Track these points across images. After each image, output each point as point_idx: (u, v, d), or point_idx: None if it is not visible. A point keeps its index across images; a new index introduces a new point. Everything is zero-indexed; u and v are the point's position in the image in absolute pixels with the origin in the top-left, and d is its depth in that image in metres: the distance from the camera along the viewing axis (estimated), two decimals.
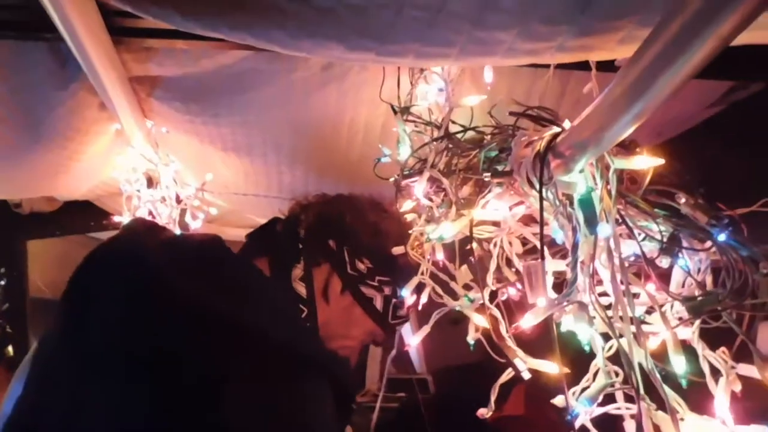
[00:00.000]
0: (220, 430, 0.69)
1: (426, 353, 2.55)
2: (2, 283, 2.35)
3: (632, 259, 0.84)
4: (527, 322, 0.77)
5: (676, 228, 0.81)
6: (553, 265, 0.85)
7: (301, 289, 0.97)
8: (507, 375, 0.97)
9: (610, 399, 0.83)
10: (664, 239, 0.82)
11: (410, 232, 1.19)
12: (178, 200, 2.04)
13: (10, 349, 2.29)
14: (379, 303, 1.04)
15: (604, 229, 0.72)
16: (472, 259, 1.15)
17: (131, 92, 1.50)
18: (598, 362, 0.77)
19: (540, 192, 0.72)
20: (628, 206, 0.82)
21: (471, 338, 1.22)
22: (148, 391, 0.70)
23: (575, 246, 0.74)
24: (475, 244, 1.08)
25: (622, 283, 0.76)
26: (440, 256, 1.22)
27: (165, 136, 1.76)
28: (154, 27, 1.17)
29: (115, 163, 1.92)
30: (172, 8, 0.93)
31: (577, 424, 0.78)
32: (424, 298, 1.32)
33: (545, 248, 0.84)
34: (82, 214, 2.41)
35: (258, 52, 1.28)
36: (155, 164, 1.88)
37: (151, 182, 2.04)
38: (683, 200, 0.81)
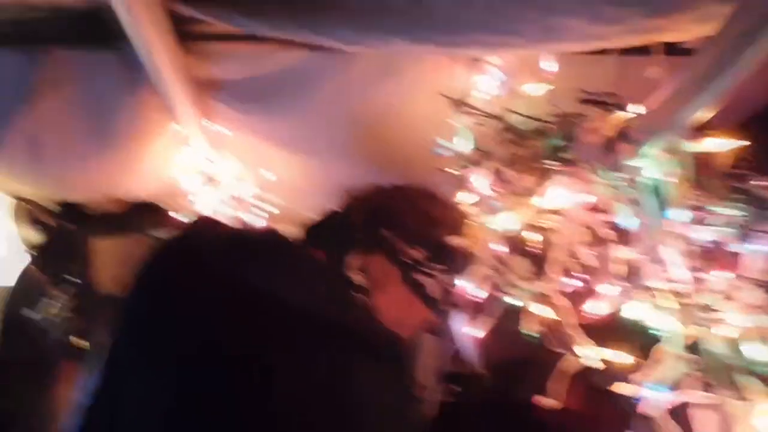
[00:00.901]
0: (282, 417, 0.71)
1: (482, 347, 2.53)
2: (75, 280, 2.46)
3: (704, 244, 0.83)
4: (595, 309, 0.77)
5: (751, 212, 0.79)
6: (620, 252, 0.84)
7: (357, 277, 0.99)
8: (565, 365, 0.97)
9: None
10: (739, 223, 0.80)
11: (468, 222, 1.20)
12: (240, 200, 2.10)
13: (82, 342, 2.40)
14: (433, 290, 1.05)
15: (676, 214, 0.71)
16: (532, 251, 1.15)
17: (193, 95, 1.56)
18: (672, 348, 0.76)
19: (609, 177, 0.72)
20: (701, 190, 0.80)
21: (530, 330, 1.21)
22: (213, 380, 0.72)
23: (644, 231, 0.73)
24: (536, 234, 1.08)
25: (694, 269, 0.75)
26: (499, 247, 1.22)
27: (227, 138, 1.81)
28: (220, 32, 1.21)
29: (175, 163, 1.98)
30: (240, 12, 0.97)
31: (650, 413, 0.77)
32: (481, 290, 1.32)
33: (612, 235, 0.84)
34: (146, 214, 2.50)
35: (317, 49, 1.31)
36: (216, 164, 1.93)
37: (211, 182, 2.11)
38: (759, 183, 0.79)
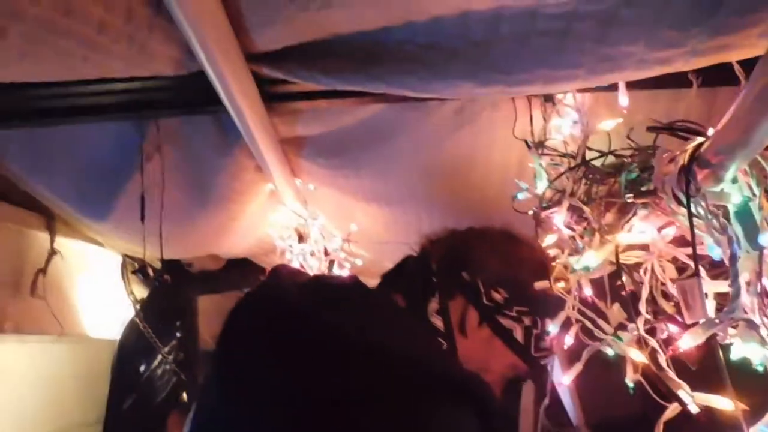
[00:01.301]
0: None
1: (582, 403, 2.39)
2: (178, 335, 2.61)
3: None
4: (686, 342, 0.72)
5: None
6: (712, 285, 0.78)
7: (438, 322, 0.97)
8: (672, 411, 0.90)
9: None
10: None
11: (553, 264, 1.16)
12: (326, 253, 2.17)
13: (184, 395, 2.51)
14: (519, 334, 1.01)
15: (761, 231, 0.66)
16: (623, 294, 1.10)
17: (282, 153, 1.65)
18: None
19: (688, 203, 0.68)
20: None
21: (629, 380, 1.14)
22: (307, 427, 0.72)
23: (733, 259, 0.69)
24: (623, 275, 1.03)
25: None
26: (588, 291, 1.18)
27: (312, 193, 1.90)
28: (300, 90, 1.29)
29: (270, 221, 2.09)
30: (317, 69, 1.04)
31: None
32: (571, 337, 1.26)
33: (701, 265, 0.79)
34: (242, 271, 2.64)
35: (393, 103, 1.36)
36: (305, 219, 2.02)
37: (301, 238, 2.20)
38: None
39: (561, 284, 1.23)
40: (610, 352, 1.22)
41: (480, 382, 0.88)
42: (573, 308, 1.19)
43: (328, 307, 0.83)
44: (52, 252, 2.14)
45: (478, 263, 1.03)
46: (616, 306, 1.09)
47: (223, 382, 0.83)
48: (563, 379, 1.25)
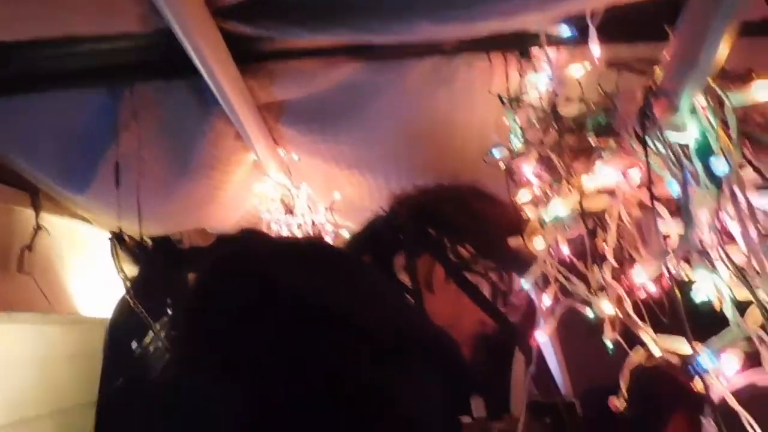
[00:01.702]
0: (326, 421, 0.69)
1: (570, 373, 2.39)
2: (170, 311, 2.60)
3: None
4: (639, 275, 0.71)
5: None
6: (673, 223, 0.77)
7: (405, 279, 0.96)
8: (637, 356, 0.89)
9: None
10: None
11: (526, 219, 1.15)
12: (314, 224, 2.16)
13: None
14: (487, 290, 0.99)
15: (720, 166, 0.64)
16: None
17: (261, 120, 1.64)
18: (726, 312, 0.69)
19: (643, 130, 0.67)
20: (758, 150, 0.73)
21: (607, 338, 1.13)
22: (272, 387, 0.72)
23: (684, 187, 0.67)
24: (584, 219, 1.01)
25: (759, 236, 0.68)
26: (565, 250, 1.17)
27: (296, 163, 1.89)
28: (272, 49, 1.28)
29: (254, 192, 2.08)
30: (282, 20, 1.02)
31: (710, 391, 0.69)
32: (549, 297, 1.26)
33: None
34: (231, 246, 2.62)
35: (367, 63, 1.35)
36: (289, 190, 2.01)
37: (288, 210, 2.19)
38: None
39: (537, 241, 1.22)
40: (590, 314, 1.22)
41: (450, 340, 0.87)
42: (550, 266, 1.19)
43: (293, 269, 0.82)
44: (38, 227, 2.14)
45: (444, 220, 1.02)
46: (596, 268, 1.08)
47: (185, 343, 0.83)
48: (539, 337, 1.24)
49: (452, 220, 0.99)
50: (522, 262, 1.04)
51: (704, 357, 0.63)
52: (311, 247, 0.93)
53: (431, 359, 0.79)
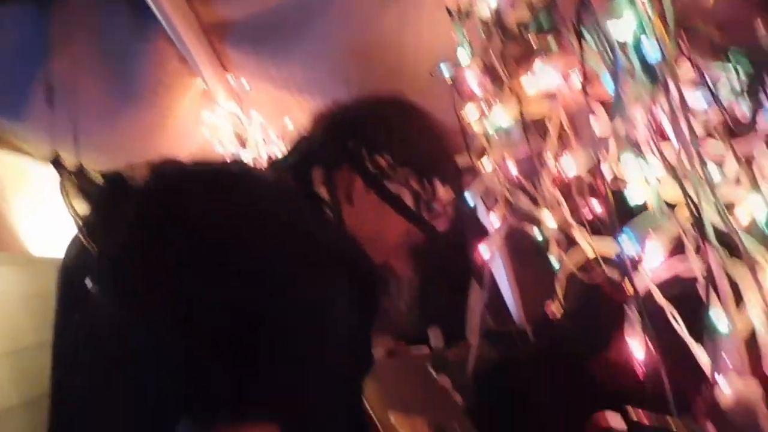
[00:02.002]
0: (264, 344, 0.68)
1: (523, 301, 2.44)
2: None
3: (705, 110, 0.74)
4: (569, 166, 0.70)
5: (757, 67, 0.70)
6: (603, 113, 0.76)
7: (324, 192, 0.93)
8: (573, 262, 0.90)
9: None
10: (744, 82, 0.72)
11: (471, 133, 1.14)
12: (270, 159, 2.11)
13: None
14: (409, 199, 0.97)
15: (653, 52, 0.63)
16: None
17: (205, 41, 1.57)
18: (648, 196, 0.68)
19: (578, 20, 0.65)
20: (696, 48, 0.72)
21: (552, 255, 1.14)
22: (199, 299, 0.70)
23: (615, 76, 0.66)
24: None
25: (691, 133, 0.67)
26: (513, 170, 1.16)
27: (247, 93, 1.82)
28: None
29: (204, 121, 2.01)
30: None
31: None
32: (498, 218, 1.25)
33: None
34: None
35: None
36: (239, 118, 1.95)
37: (241, 142, 2.13)
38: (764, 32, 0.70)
39: (484, 160, 1.21)
40: (538, 236, 1.23)
41: (366, 257, 0.85)
42: (498, 183, 1.18)
43: (207, 191, 0.79)
44: None
45: (362, 131, 0.98)
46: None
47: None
48: (483, 253, 1.25)
49: (371, 131, 0.95)
50: (440, 166, 0.99)
51: (625, 239, 0.63)
52: (225, 170, 0.90)
53: (342, 274, 0.78)
